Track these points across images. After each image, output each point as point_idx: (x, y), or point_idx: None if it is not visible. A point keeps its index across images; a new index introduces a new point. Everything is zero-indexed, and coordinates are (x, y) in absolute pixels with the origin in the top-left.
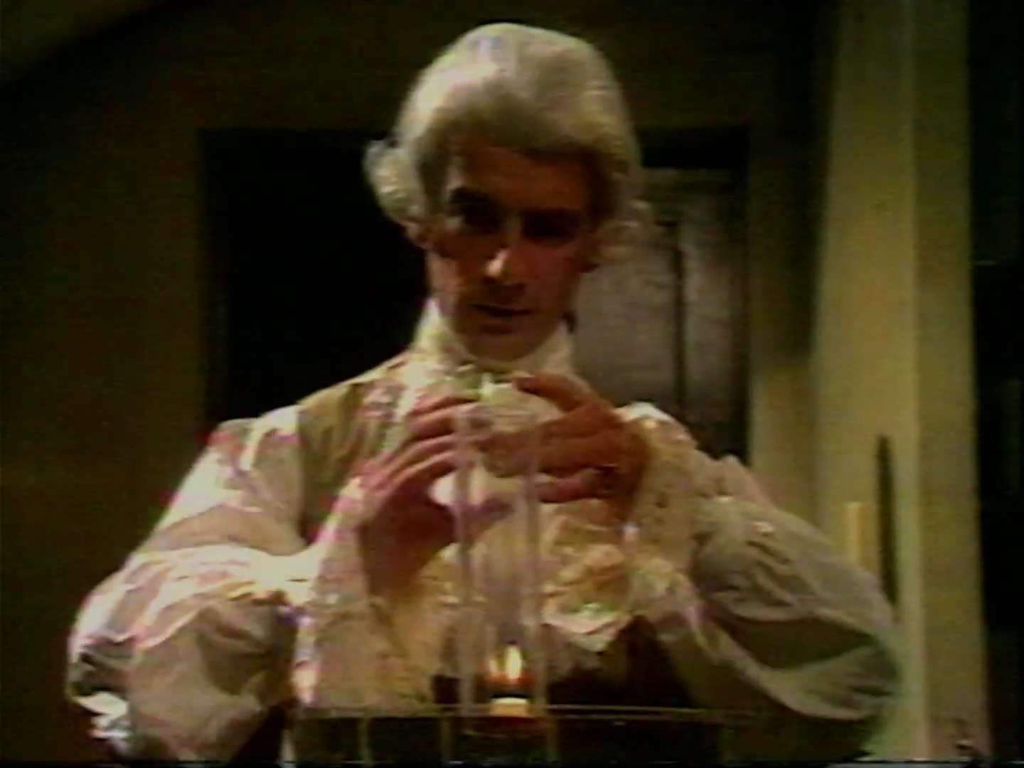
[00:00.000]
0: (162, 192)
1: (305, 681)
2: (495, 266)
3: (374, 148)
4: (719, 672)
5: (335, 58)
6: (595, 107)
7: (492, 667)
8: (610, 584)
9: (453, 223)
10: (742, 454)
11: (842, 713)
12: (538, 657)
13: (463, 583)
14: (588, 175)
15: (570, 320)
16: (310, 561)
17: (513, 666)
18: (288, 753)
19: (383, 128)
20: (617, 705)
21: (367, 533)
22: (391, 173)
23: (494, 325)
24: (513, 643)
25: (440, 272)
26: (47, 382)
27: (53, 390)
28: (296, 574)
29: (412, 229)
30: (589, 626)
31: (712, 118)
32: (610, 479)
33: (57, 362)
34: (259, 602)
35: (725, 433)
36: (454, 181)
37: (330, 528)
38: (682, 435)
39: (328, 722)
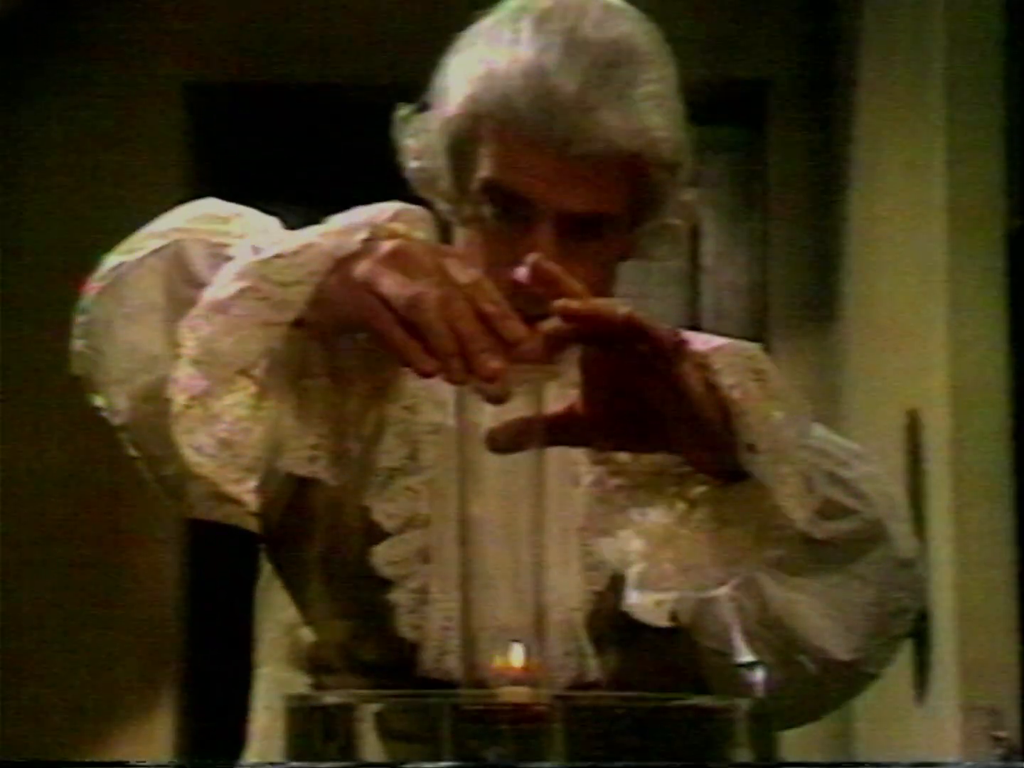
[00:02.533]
0: (146, 148)
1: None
2: (523, 272)
3: (402, 112)
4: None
5: (322, 11)
6: (646, 106)
7: (495, 658)
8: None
9: (482, 213)
10: None
11: (877, 653)
12: (542, 646)
13: (462, 554)
14: (632, 176)
15: None
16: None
17: (516, 655)
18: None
19: (370, 82)
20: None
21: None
22: (419, 146)
23: None
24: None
25: (466, 257)
26: (42, 351)
27: (48, 360)
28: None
29: (441, 206)
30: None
31: (730, 72)
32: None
33: (47, 331)
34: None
35: None
36: (484, 170)
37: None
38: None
39: (323, 709)
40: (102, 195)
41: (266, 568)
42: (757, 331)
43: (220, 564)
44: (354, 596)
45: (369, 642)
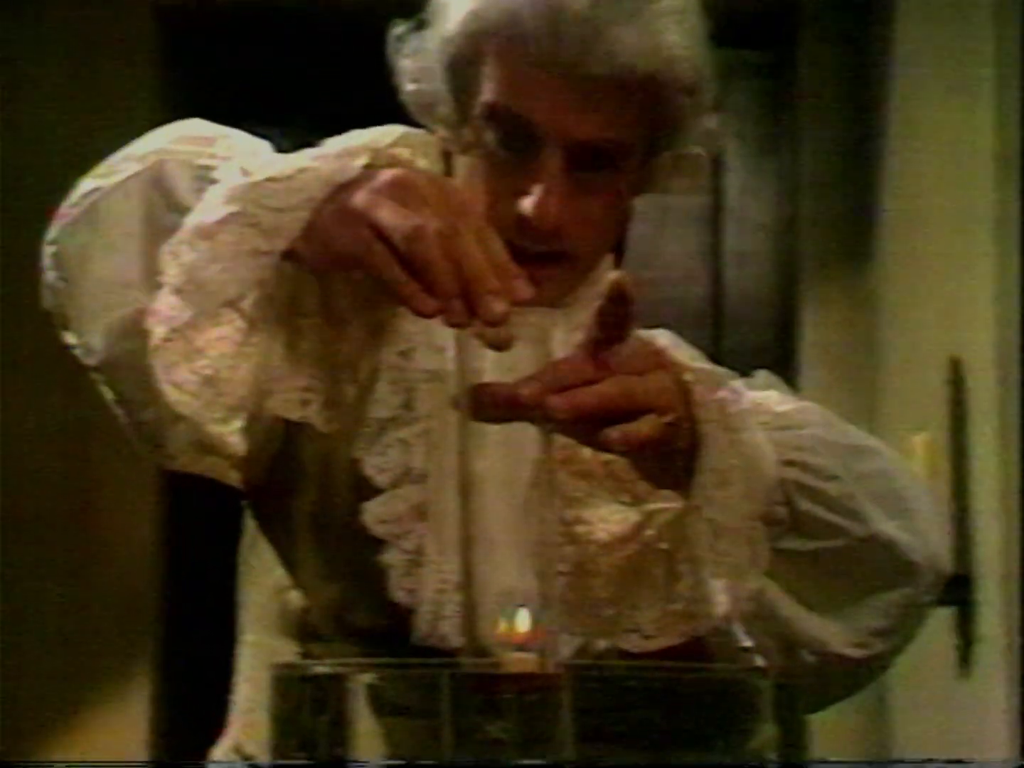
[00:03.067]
0: (115, 71)
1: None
2: (528, 204)
3: (397, 29)
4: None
5: None
6: (663, 23)
7: (499, 623)
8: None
9: (484, 141)
10: (789, 381)
11: (883, 648)
12: (551, 612)
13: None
14: (648, 100)
15: (618, 250)
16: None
17: (522, 620)
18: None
19: (346, 2)
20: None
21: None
22: (416, 67)
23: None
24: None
25: (467, 189)
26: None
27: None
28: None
29: (440, 132)
30: None
31: None
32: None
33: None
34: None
35: (769, 357)
36: (487, 93)
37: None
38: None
39: (312, 680)
40: (69, 122)
41: (250, 527)
42: (785, 275)
43: (199, 525)
44: (344, 557)
45: (361, 607)
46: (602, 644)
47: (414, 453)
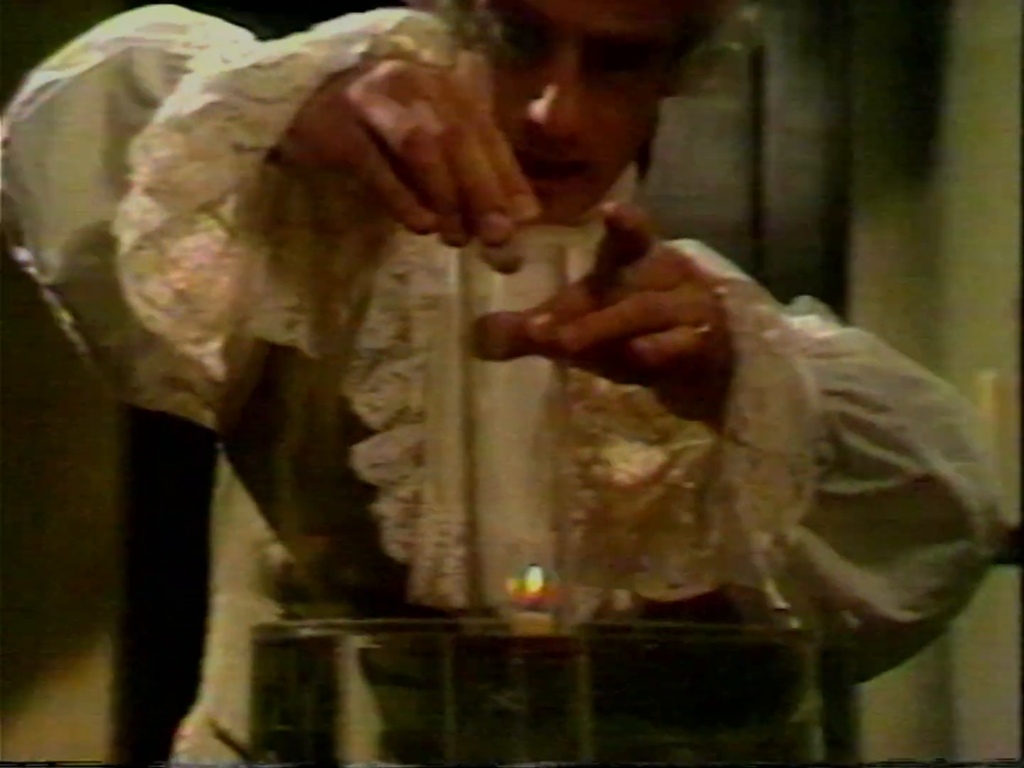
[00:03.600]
0: (80, 19)
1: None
2: (540, 108)
3: None
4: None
5: None
6: None
7: (508, 581)
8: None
9: (490, 35)
10: (838, 313)
11: (937, 610)
12: (566, 566)
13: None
14: None
15: (643, 158)
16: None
17: (533, 577)
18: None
19: None
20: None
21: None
22: None
23: (536, 187)
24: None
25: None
26: None
27: None
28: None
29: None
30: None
31: None
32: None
33: None
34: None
35: (815, 286)
36: None
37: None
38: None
39: (296, 644)
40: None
41: (225, 474)
42: (835, 192)
43: (166, 473)
44: (332, 507)
45: (351, 562)
46: (624, 604)
47: (410, 389)
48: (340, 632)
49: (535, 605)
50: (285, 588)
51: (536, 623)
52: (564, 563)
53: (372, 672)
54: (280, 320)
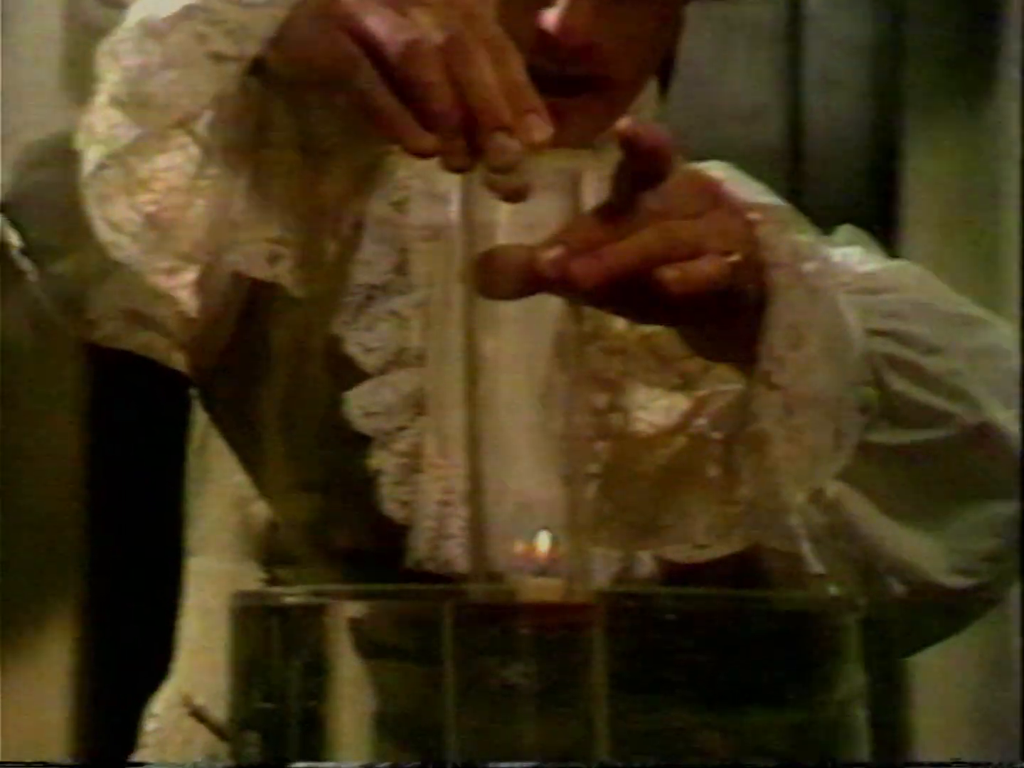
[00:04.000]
0: None
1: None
2: (552, 17)
3: None
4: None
5: None
6: None
7: (516, 543)
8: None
9: None
10: (888, 245)
11: (992, 576)
12: (581, 526)
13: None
14: None
15: (665, 72)
16: None
17: (543, 541)
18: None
19: None
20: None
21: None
22: None
23: (548, 106)
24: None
25: None
26: None
27: None
28: None
29: None
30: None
31: None
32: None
33: None
34: None
35: (863, 212)
36: None
37: None
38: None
39: (282, 612)
40: None
41: (200, 424)
42: (884, 109)
43: (133, 423)
44: (322, 460)
45: (343, 522)
46: (645, 570)
47: (409, 329)
48: (330, 600)
49: (546, 569)
50: (268, 550)
51: (547, 589)
52: (578, 523)
53: (365, 644)
54: (261, 253)
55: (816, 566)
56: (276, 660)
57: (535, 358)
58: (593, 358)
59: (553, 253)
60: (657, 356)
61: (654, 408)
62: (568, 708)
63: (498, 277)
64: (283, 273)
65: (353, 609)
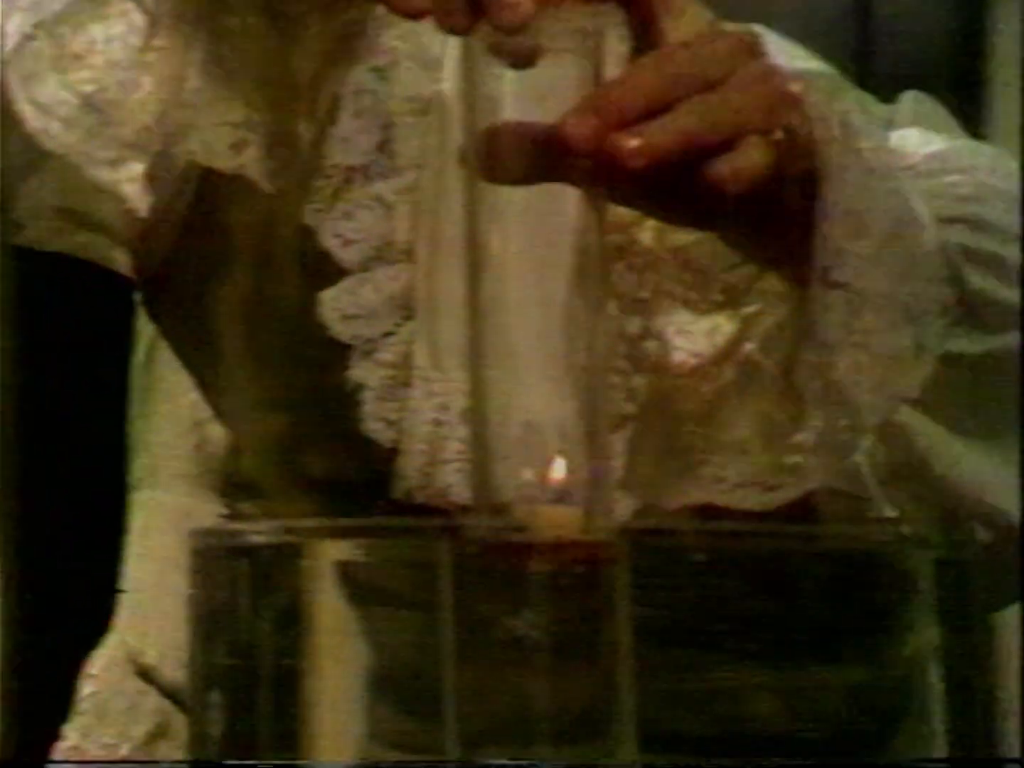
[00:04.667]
0: None
1: None
2: None
3: None
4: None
5: None
6: None
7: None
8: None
9: None
10: (970, 115)
11: None
12: (597, 453)
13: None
14: None
15: None
16: None
17: (557, 468)
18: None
19: None
20: None
21: None
22: None
23: None
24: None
25: None
26: None
27: None
28: None
29: None
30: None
31: None
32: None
33: None
34: None
35: (939, 84)
36: None
37: None
38: (846, 91)
39: (250, 553)
40: None
41: (146, 335)
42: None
43: (64, 334)
44: (294, 373)
45: (318, 446)
46: (674, 504)
47: (394, 218)
48: (306, 538)
49: (560, 498)
50: (230, 480)
51: (562, 521)
52: (597, 444)
53: (350, 589)
54: (223, 140)
55: (887, 509)
56: (244, 609)
57: (548, 266)
58: (620, 278)
59: (584, 123)
60: (693, 270)
61: (695, 333)
62: (587, 664)
63: (506, 157)
64: (249, 163)
65: (334, 549)
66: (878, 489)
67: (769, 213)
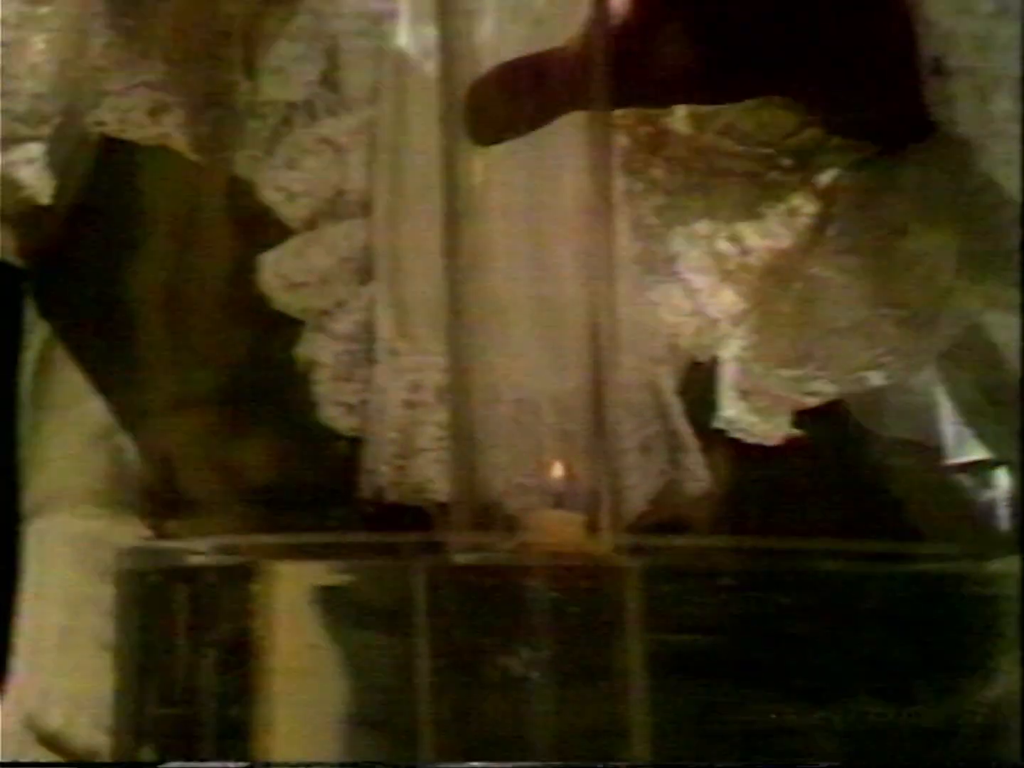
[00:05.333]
0: None
1: None
2: None
3: None
4: None
5: None
6: None
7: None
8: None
9: None
10: None
11: None
12: (602, 435)
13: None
14: None
15: None
16: None
17: (557, 469)
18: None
19: None
20: None
21: None
22: None
23: None
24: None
25: None
26: None
27: None
28: None
29: None
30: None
31: None
32: None
33: None
34: None
35: None
36: None
37: None
38: None
39: (187, 576)
40: None
41: (38, 338)
42: None
43: None
44: (226, 358)
45: (261, 444)
46: (696, 485)
47: (348, 164)
48: (259, 558)
49: (563, 498)
50: (153, 496)
51: (561, 527)
52: (605, 430)
53: (313, 619)
54: (139, 106)
55: (970, 449)
56: (182, 646)
57: (541, 205)
58: (654, 180)
59: None
60: (750, 144)
61: (769, 217)
62: (597, 701)
63: (499, 111)
64: (172, 130)
65: (293, 570)
66: (957, 420)
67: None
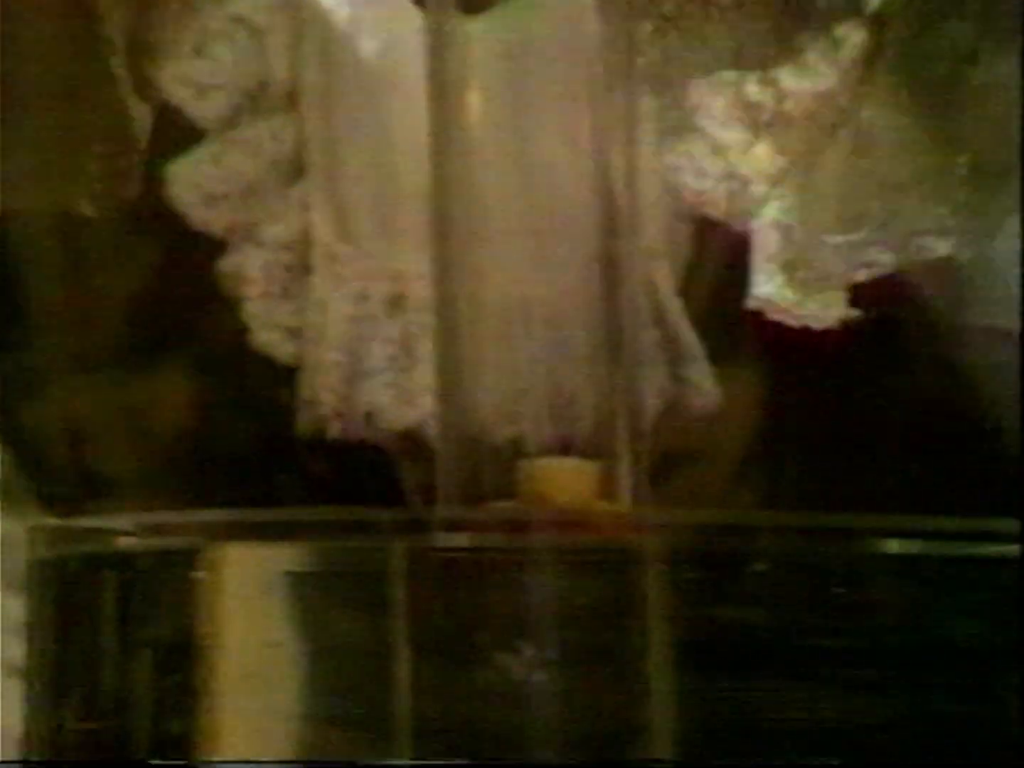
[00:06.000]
0: None
1: None
2: None
3: None
4: None
5: None
6: None
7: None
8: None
9: None
10: None
11: None
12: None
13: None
14: None
15: None
16: None
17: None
18: None
19: None
20: None
21: None
22: None
23: None
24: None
25: None
26: None
27: None
28: None
29: None
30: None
31: None
32: None
33: None
34: None
35: None
36: None
37: None
38: None
39: (119, 561)
40: None
41: None
42: None
43: None
44: (137, 300)
45: (179, 395)
46: (704, 399)
47: (269, 49)
48: (202, 538)
49: (567, 442)
50: (67, 477)
51: (569, 480)
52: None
53: (269, 613)
54: None
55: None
56: (111, 646)
57: (534, 94)
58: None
59: None
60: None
61: (807, 64)
62: (607, 698)
63: None
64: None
65: (241, 554)
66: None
67: None
